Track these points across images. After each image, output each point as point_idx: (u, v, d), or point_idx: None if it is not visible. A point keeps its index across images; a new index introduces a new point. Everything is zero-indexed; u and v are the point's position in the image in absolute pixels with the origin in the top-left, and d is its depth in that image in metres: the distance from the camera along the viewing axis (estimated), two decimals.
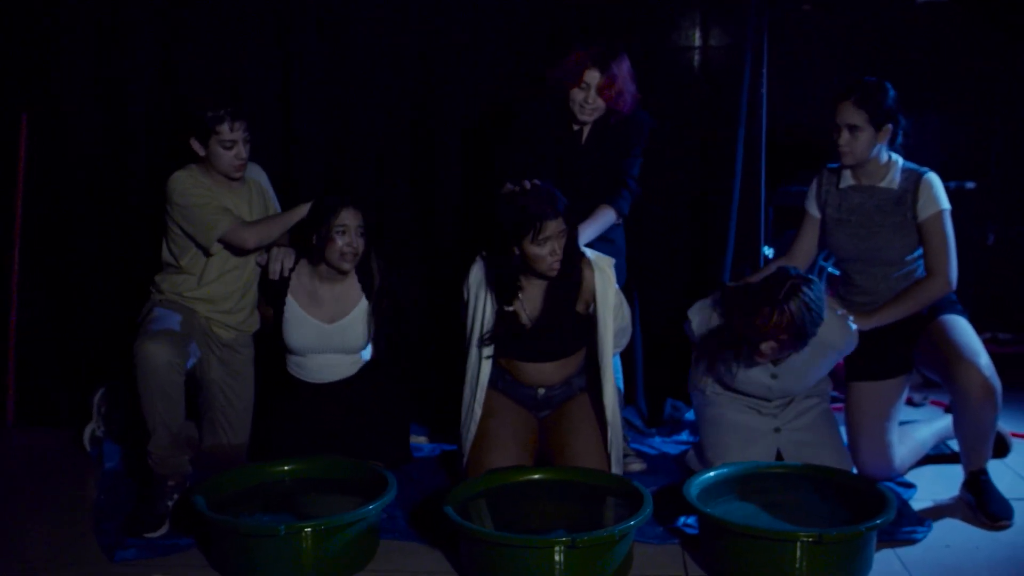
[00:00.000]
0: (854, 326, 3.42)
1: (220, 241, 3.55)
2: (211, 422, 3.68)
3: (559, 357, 3.50)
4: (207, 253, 3.59)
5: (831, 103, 3.48)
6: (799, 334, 3.20)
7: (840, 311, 3.45)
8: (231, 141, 3.54)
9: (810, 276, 3.27)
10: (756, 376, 3.45)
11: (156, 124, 4.17)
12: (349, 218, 3.54)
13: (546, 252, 3.28)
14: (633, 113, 3.69)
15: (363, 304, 3.66)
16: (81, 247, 4.25)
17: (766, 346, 3.23)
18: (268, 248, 3.67)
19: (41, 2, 4.12)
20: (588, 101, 3.59)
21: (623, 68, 3.59)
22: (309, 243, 3.57)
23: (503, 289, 3.39)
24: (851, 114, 3.43)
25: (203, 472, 3.47)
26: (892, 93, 3.46)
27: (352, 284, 3.68)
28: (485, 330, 3.41)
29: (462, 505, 3.03)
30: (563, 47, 3.67)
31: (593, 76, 3.57)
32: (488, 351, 3.43)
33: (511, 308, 3.42)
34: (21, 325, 4.23)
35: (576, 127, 3.70)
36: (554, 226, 3.26)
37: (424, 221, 4.28)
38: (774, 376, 3.45)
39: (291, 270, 3.64)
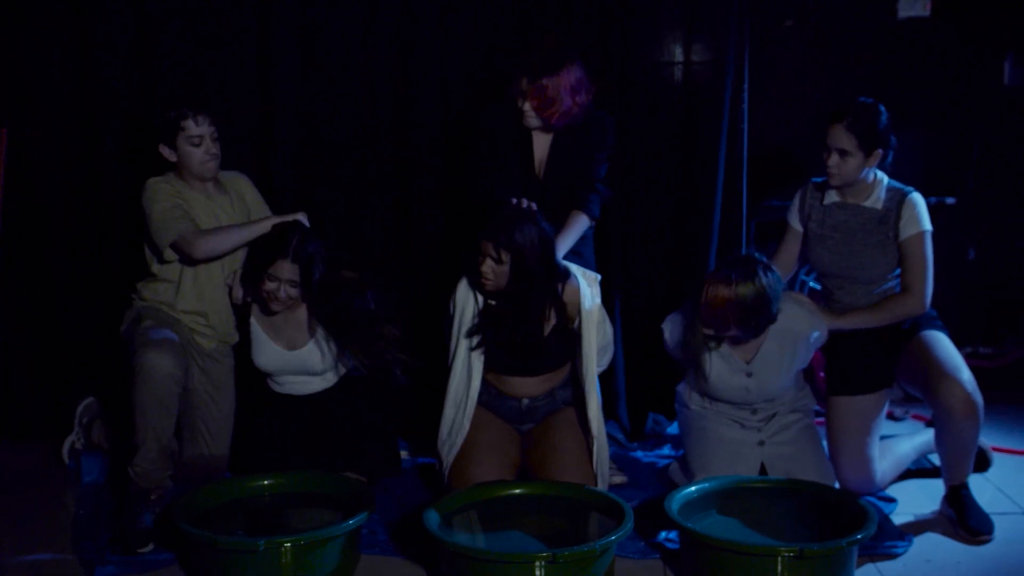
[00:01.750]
0: (821, 322, 3.47)
1: (172, 248, 3.50)
2: (192, 432, 3.64)
3: (543, 372, 3.50)
4: (161, 259, 3.55)
5: (823, 123, 3.45)
6: (746, 312, 3.24)
7: (805, 302, 3.53)
8: (198, 136, 3.52)
9: (772, 266, 3.34)
10: (731, 377, 3.46)
11: (134, 136, 4.14)
12: (284, 270, 3.40)
13: (480, 268, 3.29)
14: (590, 118, 3.63)
15: (319, 331, 3.60)
16: (60, 258, 4.21)
17: (710, 315, 3.26)
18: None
19: (20, 16, 4.09)
20: (525, 109, 3.55)
21: (563, 79, 3.48)
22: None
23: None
24: (842, 138, 3.40)
25: (183, 484, 3.44)
26: (884, 116, 3.44)
27: (304, 312, 3.60)
28: (469, 330, 3.41)
29: (443, 519, 3.02)
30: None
31: (527, 85, 3.52)
32: (478, 363, 3.41)
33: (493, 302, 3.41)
34: None
35: (530, 131, 3.66)
36: (486, 247, 3.27)
37: (404, 235, 4.26)
38: (749, 375, 3.46)
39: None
